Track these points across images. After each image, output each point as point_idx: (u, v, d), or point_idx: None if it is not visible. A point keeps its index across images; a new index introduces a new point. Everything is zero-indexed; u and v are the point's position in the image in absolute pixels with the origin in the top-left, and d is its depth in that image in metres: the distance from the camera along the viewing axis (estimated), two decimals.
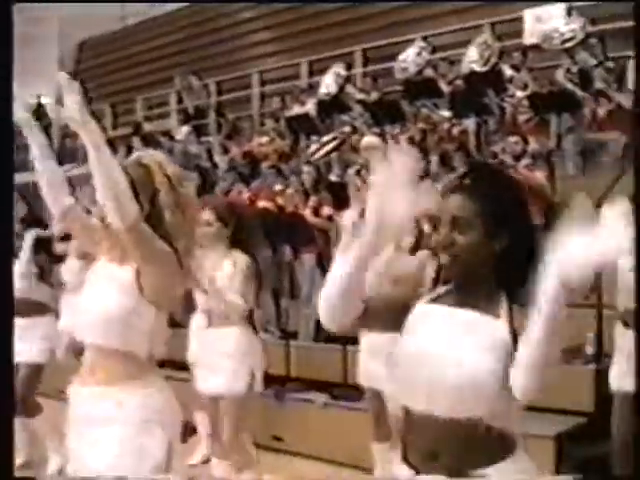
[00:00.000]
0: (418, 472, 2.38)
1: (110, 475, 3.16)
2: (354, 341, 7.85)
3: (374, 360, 5.79)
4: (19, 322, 6.75)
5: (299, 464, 6.35)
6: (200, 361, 5.54)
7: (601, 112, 10.25)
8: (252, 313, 5.52)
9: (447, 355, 2.32)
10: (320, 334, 7.81)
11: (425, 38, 13.43)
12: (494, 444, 2.30)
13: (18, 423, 7.11)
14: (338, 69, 13.95)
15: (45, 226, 7.19)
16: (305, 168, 9.95)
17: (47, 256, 7.10)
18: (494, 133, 11.09)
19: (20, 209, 9.39)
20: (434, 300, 2.48)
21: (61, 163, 14.20)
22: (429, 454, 2.35)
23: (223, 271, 5.23)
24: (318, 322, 8.54)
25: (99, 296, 3.27)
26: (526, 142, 9.39)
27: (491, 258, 2.37)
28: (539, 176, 8.84)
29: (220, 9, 18.54)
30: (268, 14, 17.23)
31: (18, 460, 7.15)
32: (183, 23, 19.48)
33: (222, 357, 5.30)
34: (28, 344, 6.79)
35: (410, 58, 13.02)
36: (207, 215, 5.39)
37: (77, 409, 3.32)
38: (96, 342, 3.27)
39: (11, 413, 3.25)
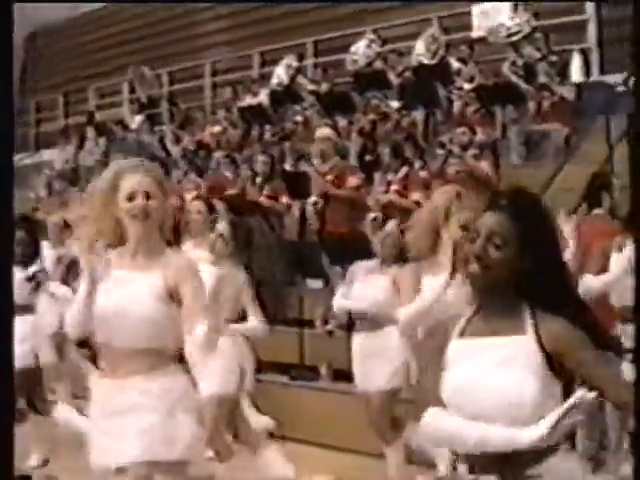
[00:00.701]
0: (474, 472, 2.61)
1: (142, 461, 3.41)
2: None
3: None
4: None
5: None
6: None
7: (545, 104, 10.65)
8: None
9: (489, 385, 2.52)
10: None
11: (375, 31, 13.70)
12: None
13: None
14: (290, 60, 14.19)
15: None
16: (260, 157, 10.20)
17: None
18: (442, 124, 11.46)
19: None
20: (462, 333, 2.67)
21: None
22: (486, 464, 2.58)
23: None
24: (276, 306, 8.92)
25: (130, 301, 3.48)
26: (474, 133, 9.75)
27: (517, 274, 2.60)
28: (485, 165, 9.19)
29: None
30: (220, 4, 17.42)
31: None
32: (134, 12, 19.59)
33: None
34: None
35: (360, 50, 13.30)
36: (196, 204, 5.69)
37: (100, 403, 3.55)
38: (124, 344, 3.47)
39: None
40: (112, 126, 16.05)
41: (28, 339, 7.21)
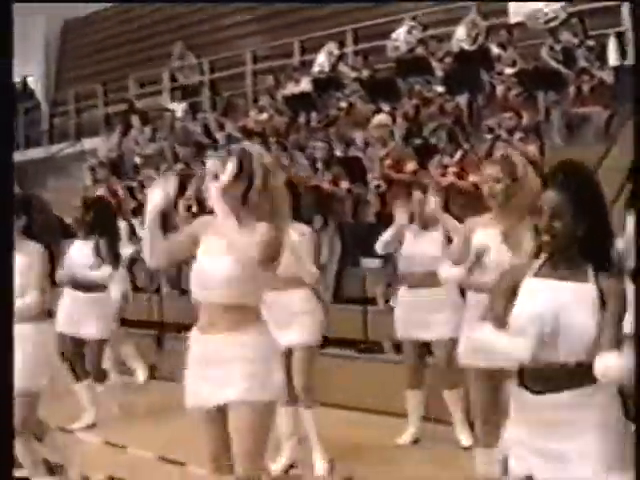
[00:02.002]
0: (533, 391, 3.24)
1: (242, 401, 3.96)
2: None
3: (408, 312, 6.64)
4: (80, 296, 7.52)
5: (331, 413, 7.03)
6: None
7: (585, 88, 11.00)
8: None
9: (557, 315, 3.16)
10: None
11: (414, 17, 14.07)
12: (587, 373, 3.11)
13: (87, 386, 7.87)
14: (331, 48, 14.59)
15: None
16: (319, 144, 10.63)
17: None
18: (484, 108, 11.83)
19: None
20: (536, 275, 3.32)
21: (52, 142, 14.81)
22: (544, 382, 3.20)
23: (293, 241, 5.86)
24: (337, 286, 9.35)
25: (222, 264, 4.00)
26: (520, 117, 10.11)
27: (578, 238, 3.23)
28: (531, 148, 9.57)
29: None
30: None
31: (85, 421, 7.89)
32: (166, 3, 19.97)
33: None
34: (91, 321, 7.51)
35: (401, 37, 13.66)
36: None
37: (200, 354, 4.07)
38: (219, 300, 4.01)
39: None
40: (156, 113, 16.47)
41: (109, 313, 7.75)
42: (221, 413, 4.03)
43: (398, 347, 7.82)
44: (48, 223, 5.73)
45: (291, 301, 6.02)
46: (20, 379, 5.39)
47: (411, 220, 6.89)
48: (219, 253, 4.04)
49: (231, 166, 4.05)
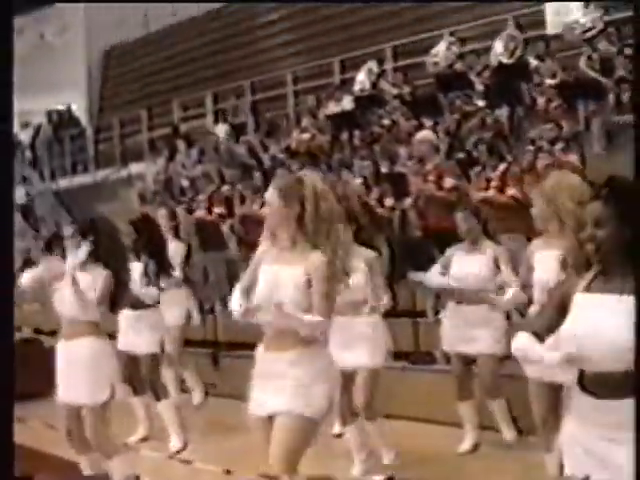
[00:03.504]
0: (594, 395, 3.34)
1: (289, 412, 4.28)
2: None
3: (455, 326, 6.90)
4: (132, 313, 7.74)
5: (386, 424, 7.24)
6: None
7: (624, 97, 11.14)
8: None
9: (606, 330, 3.24)
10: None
11: (452, 33, 14.28)
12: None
13: (142, 402, 8.12)
14: (371, 66, 14.83)
15: None
16: (364, 162, 10.88)
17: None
18: (524, 120, 12.01)
19: None
20: (585, 289, 3.42)
21: (97, 168, 15.15)
22: (605, 387, 3.30)
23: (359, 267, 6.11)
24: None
25: (279, 289, 4.30)
26: (560, 128, 10.27)
27: (622, 248, 3.33)
28: (573, 158, 9.73)
29: (240, 13, 19.46)
30: (291, 14, 18.17)
31: (137, 435, 8.15)
32: (206, 28, 20.36)
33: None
34: (141, 337, 7.75)
35: (441, 53, 13.87)
36: None
37: (261, 368, 4.44)
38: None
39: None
40: (200, 136, 16.78)
41: (159, 328, 7.96)
42: (271, 423, 4.35)
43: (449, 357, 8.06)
44: (114, 247, 6.00)
45: (358, 325, 6.34)
46: (83, 394, 5.70)
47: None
48: (278, 279, 4.35)
49: (275, 195, 4.35)
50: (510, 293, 6.38)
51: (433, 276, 7.28)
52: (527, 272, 5.53)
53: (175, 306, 8.70)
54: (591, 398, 3.35)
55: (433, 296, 9.11)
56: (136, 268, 7.82)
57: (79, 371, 5.67)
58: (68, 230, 5.91)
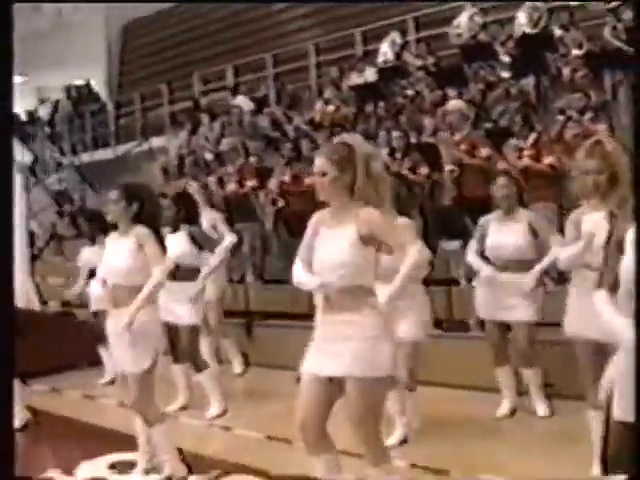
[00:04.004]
0: None
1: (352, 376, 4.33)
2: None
3: (490, 294, 6.97)
4: (171, 285, 7.81)
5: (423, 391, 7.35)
6: None
7: None
8: None
9: None
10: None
11: (473, 4, 14.28)
12: None
13: (182, 371, 8.23)
14: (394, 37, 14.85)
15: None
16: (395, 133, 10.93)
17: None
18: (550, 90, 12.05)
19: None
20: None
21: (118, 142, 15.24)
22: None
23: None
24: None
25: (336, 250, 4.39)
26: (588, 97, 10.31)
27: None
28: (601, 128, 9.78)
29: None
30: None
31: (177, 404, 8.27)
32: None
33: None
34: (182, 308, 7.82)
35: (463, 23, 13.88)
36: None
37: (322, 331, 4.51)
38: (337, 283, 4.40)
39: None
40: (221, 109, 16.82)
41: (199, 300, 8.04)
42: (329, 383, 4.41)
43: (483, 324, 8.16)
44: (156, 211, 6.09)
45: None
46: (127, 362, 5.79)
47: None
48: (333, 241, 4.43)
49: (329, 164, 4.43)
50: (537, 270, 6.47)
51: (470, 256, 7.34)
52: (575, 233, 5.56)
53: (214, 277, 8.78)
54: None
55: (465, 264, 9.21)
56: (173, 240, 7.92)
57: (125, 338, 5.72)
58: (113, 194, 5.90)
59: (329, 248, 4.43)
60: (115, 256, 5.85)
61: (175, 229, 7.95)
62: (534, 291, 7.01)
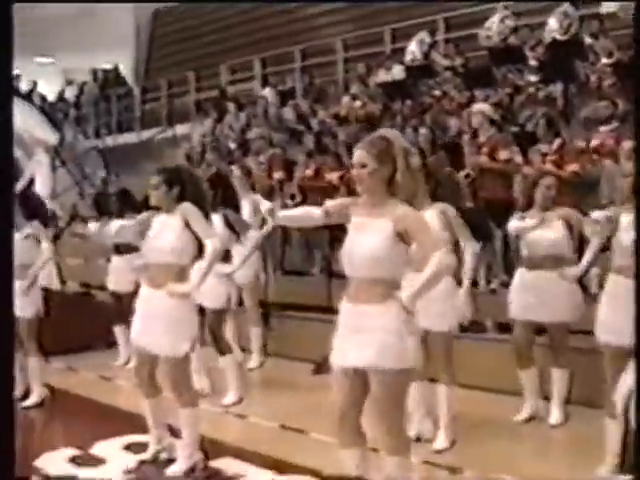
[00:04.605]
0: None
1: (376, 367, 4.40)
2: None
3: (526, 293, 6.99)
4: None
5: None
6: None
7: None
8: None
9: None
10: None
11: (506, 7, 14.29)
12: None
13: (204, 355, 8.25)
14: (423, 36, 14.88)
15: None
16: (422, 131, 10.96)
17: None
18: (577, 97, 12.05)
19: None
20: None
21: (143, 127, 15.33)
22: None
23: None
24: None
25: (366, 242, 4.46)
26: (615, 106, 10.31)
27: None
28: (628, 144, 9.77)
29: None
30: None
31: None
32: None
33: None
34: (210, 291, 7.80)
35: (494, 26, 13.89)
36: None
37: (346, 321, 4.55)
38: (364, 274, 4.47)
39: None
40: (247, 100, 16.90)
41: (225, 283, 8.03)
42: (357, 375, 4.48)
43: (500, 326, 8.20)
44: (199, 192, 6.14)
45: None
46: (165, 345, 5.85)
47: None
48: (367, 232, 4.48)
49: (369, 157, 4.50)
50: (583, 263, 6.44)
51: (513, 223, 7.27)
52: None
53: (248, 262, 8.82)
54: None
55: (485, 265, 9.26)
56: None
57: (163, 321, 5.77)
58: (154, 179, 5.96)
59: (362, 239, 4.48)
60: (161, 235, 5.91)
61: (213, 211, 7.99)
62: (571, 290, 6.91)
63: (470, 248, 6.67)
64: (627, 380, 3.82)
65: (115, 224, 6.67)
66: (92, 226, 6.89)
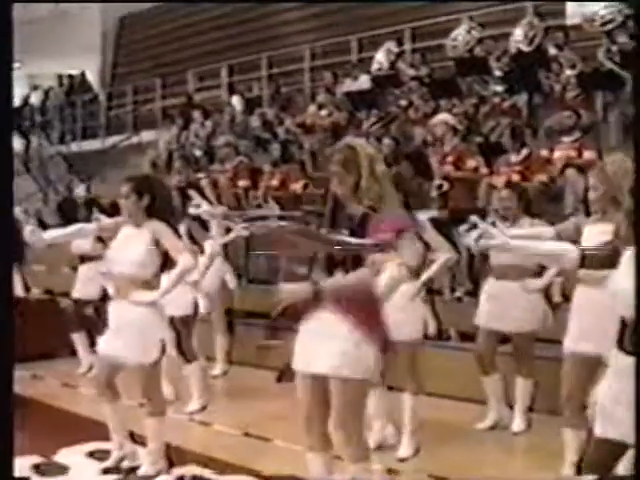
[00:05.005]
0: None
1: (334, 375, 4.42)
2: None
3: (492, 302, 7.04)
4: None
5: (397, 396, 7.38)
6: None
7: None
8: None
9: None
10: None
11: (471, 18, 14.40)
12: None
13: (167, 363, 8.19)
14: (390, 46, 14.95)
15: None
16: (385, 140, 11.00)
17: None
18: (541, 108, 12.17)
19: None
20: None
21: (108, 134, 15.27)
22: None
23: None
24: None
25: None
26: (578, 116, 10.41)
27: None
28: (589, 155, 9.86)
29: None
30: None
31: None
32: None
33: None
34: (177, 298, 7.75)
35: (460, 37, 13.99)
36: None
37: (308, 326, 4.55)
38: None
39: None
40: (222, 107, 16.88)
41: (191, 291, 7.95)
42: (318, 381, 4.50)
43: (463, 336, 8.25)
44: (169, 203, 6.16)
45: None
46: (135, 353, 5.84)
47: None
48: None
49: (335, 165, 4.54)
50: (548, 276, 6.51)
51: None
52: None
53: (211, 270, 8.81)
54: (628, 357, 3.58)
55: (450, 275, 9.30)
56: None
57: (132, 329, 5.76)
58: (123, 189, 5.93)
59: None
60: (128, 247, 5.87)
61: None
62: (536, 300, 7.00)
63: (444, 257, 6.66)
64: (598, 390, 3.85)
65: (51, 231, 6.60)
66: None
